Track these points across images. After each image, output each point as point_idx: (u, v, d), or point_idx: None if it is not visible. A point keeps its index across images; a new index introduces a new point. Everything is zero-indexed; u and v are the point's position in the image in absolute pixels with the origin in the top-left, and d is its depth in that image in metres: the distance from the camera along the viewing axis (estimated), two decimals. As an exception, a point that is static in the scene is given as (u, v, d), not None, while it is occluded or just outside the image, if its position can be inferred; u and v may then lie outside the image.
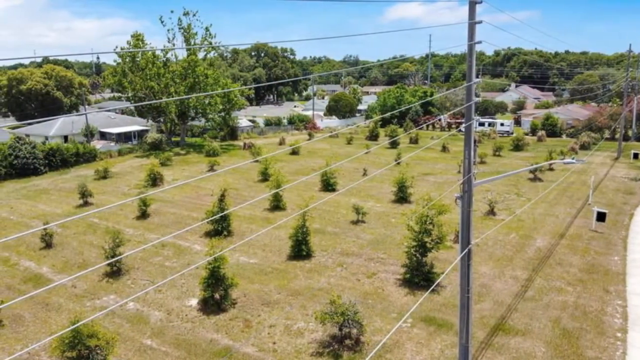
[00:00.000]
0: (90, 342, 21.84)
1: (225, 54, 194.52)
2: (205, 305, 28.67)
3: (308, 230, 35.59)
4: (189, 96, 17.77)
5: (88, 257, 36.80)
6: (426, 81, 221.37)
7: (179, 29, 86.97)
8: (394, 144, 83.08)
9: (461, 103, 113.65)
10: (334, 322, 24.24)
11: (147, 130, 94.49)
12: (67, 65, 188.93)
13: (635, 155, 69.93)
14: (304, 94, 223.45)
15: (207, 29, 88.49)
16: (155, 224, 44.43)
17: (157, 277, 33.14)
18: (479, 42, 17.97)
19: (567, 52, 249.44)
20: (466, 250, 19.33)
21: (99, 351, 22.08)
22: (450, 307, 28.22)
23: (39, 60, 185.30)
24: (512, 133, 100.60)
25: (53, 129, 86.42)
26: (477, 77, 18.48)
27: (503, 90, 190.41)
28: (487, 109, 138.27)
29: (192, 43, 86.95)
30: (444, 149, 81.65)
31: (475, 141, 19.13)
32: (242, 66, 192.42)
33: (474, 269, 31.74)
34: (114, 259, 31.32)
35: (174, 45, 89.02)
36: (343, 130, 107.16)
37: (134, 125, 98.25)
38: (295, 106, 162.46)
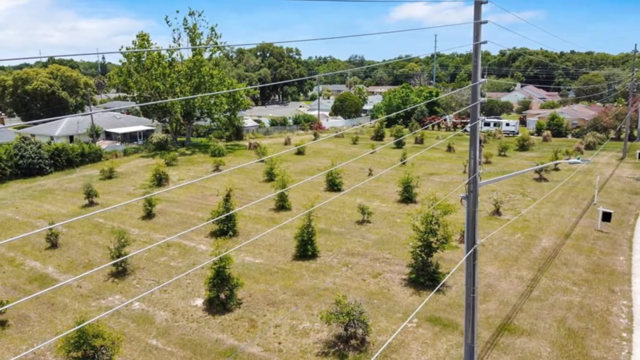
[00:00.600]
0: (96, 342, 21.88)
1: (230, 54, 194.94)
2: (210, 305, 28.70)
3: (313, 230, 35.58)
4: (195, 96, 17.79)
5: (93, 257, 36.88)
6: (432, 81, 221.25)
7: (185, 29, 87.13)
8: (399, 144, 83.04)
9: (466, 103, 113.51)
10: (340, 322, 24.24)
11: (152, 130, 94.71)
12: (72, 65, 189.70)
13: (641, 155, 69.68)
14: (310, 94, 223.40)
15: (212, 29, 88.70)
16: (160, 224, 44.50)
17: (162, 277, 33.20)
18: (485, 42, 17.94)
19: (572, 52, 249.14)
20: (472, 250, 19.30)
21: (104, 351, 22.11)
22: (455, 307, 28.18)
23: (44, 60, 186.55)
24: (517, 133, 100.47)
25: (58, 129, 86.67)
26: (482, 77, 18.46)
27: (508, 90, 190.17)
28: (493, 109, 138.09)
29: (198, 43, 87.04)
30: (450, 149, 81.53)
31: (480, 141, 19.11)
32: (248, 66, 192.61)
33: (480, 269, 31.76)
34: (119, 259, 31.38)
35: (179, 45, 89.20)
36: (348, 130, 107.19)
37: (140, 125, 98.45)
38: (300, 106, 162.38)
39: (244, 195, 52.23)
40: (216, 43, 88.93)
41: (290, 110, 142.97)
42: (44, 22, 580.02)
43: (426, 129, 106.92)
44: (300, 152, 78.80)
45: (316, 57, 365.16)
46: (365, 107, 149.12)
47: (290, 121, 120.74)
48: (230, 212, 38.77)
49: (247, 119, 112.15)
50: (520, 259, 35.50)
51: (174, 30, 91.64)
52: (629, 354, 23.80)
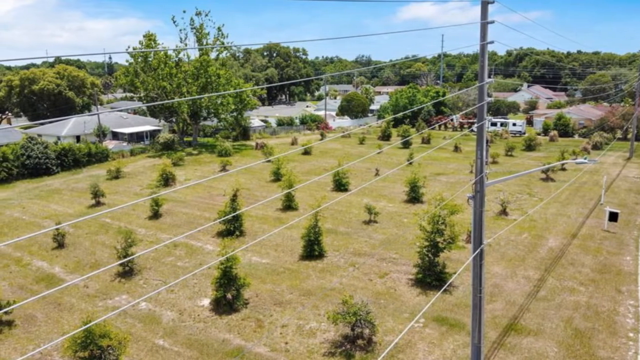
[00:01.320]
0: (103, 342, 21.92)
1: (237, 54, 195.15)
2: (217, 305, 28.73)
3: (320, 230, 35.58)
4: (201, 96, 17.83)
5: (100, 257, 36.99)
6: (438, 81, 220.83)
7: (191, 29, 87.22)
8: (406, 144, 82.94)
9: (473, 103, 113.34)
10: (346, 322, 24.24)
11: (159, 130, 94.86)
12: (79, 65, 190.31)
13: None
14: (316, 94, 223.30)
15: (219, 29, 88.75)
16: (167, 224, 44.58)
17: (169, 277, 33.26)
18: (491, 42, 17.90)
19: (579, 52, 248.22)
20: (478, 250, 19.26)
21: (111, 351, 22.15)
22: (462, 307, 28.14)
23: (51, 60, 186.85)
24: (524, 133, 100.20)
25: (65, 129, 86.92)
26: (489, 77, 18.40)
27: (515, 90, 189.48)
28: (500, 109, 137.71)
29: (205, 43, 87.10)
30: (456, 149, 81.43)
31: (487, 141, 19.06)
32: (255, 66, 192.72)
33: (486, 269, 31.70)
34: (126, 259, 31.45)
35: (186, 45, 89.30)
36: (355, 130, 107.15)
37: (146, 125, 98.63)
38: (307, 106, 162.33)
39: (251, 195, 52.28)
40: (223, 43, 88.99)
41: (297, 110, 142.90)
42: (51, 22, 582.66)
43: (433, 129, 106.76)
44: (307, 152, 78.80)
45: (323, 57, 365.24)
46: (372, 107, 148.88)
47: (297, 121, 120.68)
48: (237, 212, 38.77)
49: (254, 119, 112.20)
50: (527, 259, 35.42)
51: (180, 30, 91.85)
52: (635, 354, 23.72)
